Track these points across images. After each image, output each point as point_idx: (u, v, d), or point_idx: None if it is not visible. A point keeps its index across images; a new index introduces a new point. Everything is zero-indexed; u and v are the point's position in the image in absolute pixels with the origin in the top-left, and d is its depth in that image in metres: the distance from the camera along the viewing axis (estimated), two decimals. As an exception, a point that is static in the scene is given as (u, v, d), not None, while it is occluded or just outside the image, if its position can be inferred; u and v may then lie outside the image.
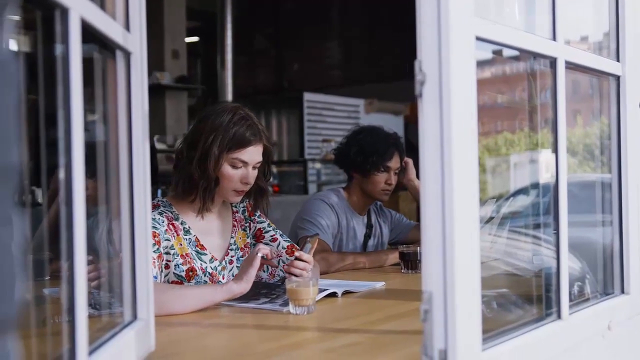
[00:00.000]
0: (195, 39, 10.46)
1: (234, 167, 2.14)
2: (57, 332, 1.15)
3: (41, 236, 1.55)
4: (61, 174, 0.97)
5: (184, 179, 2.16)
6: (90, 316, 1.04)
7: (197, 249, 2.18)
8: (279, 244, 2.33)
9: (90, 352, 1.05)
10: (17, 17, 0.60)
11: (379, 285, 2.29)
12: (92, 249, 1.21)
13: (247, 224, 2.36)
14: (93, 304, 1.33)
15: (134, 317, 1.34)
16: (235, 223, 2.33)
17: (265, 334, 1.66)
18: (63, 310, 1.45)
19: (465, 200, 1.14)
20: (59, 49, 0.97)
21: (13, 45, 0.59)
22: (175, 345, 1.55)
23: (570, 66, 1.52)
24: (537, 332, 1.40)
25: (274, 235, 2.36)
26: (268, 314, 1.85)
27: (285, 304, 1.88)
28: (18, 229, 0.55)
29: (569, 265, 1.53)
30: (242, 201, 2.35)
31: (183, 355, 1.49)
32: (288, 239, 2.37)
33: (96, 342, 1.13)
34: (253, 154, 2.16)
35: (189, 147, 2.15)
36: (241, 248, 2.31)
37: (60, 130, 0.96)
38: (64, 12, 0.96)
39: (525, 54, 1.54)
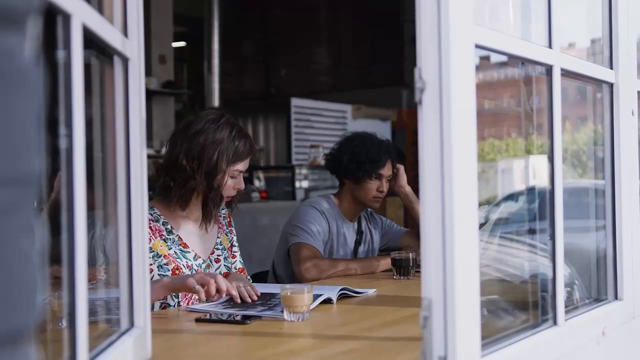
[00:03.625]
0: (182, 43, 10.44)
1: (233, 177, 2.26)
2: (55, 340, 1.14)
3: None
4: (62, 179, 0.96)
5: (187, 192, 2.22)
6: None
7: (181, 247, 2.24)
8: (235, 262, 2.43)
9: (89, 360, 1.04)
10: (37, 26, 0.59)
11: (371, 292, 2.29)
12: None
13: (229, 230, 2.46)
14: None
15: (131, 324, 1.33)
16: (220, 225, 2.41)
17: (261, 341, 1.65)
18: (57, 317, 1.45)
19: (465, 207, 1.15)
20: (60, 54, 0.97)
21: (35, 54, 0.59)
22: (171, 353, 1.54)
23: (565, 73, 1.53)
24: (534, 338, 1.40)
25: (236, 252, 2.47)
26: (263, 321, 1.84)
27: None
28: (38, 237, 0.55)
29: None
30: (222, 207, 2.44)
31: (179, 363, 1.49)
32: (242, 262, 2.47)
33: (94, 349, 1.12)
34: (248, 162, 2.30)
35: (187, 160, 2.19)
36: (227, 249, 2.41)
37: (62, 135, 0.96)
38: (66, 18, 0.95)
39: (512, 60, 1.55)
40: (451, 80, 1.12)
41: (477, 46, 1.21)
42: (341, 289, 2.14)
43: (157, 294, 1.98)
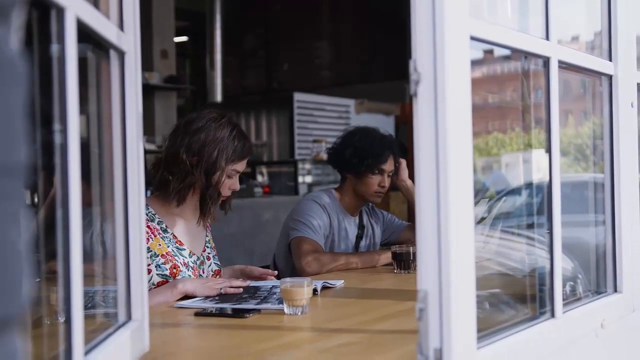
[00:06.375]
0: (184, 38, 10.44)
1: (229, 177, 2.28)
2: (51, 333, 1.14)
3: (33, 237, 1.54)
4: (57, 175, 0.96)
5: (185, 187, 2.23)
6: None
7: (177, 245, 2.27)
8: (210, 264, 2.40)
9: (86, 353, 1.05)
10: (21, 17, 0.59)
11: (339, 283, 2.31)
12: (84, 250, 1.21)
13: (209, 231, 2.48)
14: (86, 304, 1.32)
15: (129, 317, 1.33)
16: (207, 225, 2.44)
17: (259, 334, 1.66)
18: (54, 311, 1.45)
19: (460, 199, 1.15)
20: (54, 48, 0.97)
21: (21, 45, 0.59)
22: (169, 346, 1.54)
23: (563, 66, 1.53)
24: (531, 331, 1.40)
25: (215, 254, 2.46)
26: (262, 314, 1.84)
27: (281, 301, 1.87)
28: (25, 227, 0.55)
29: (562, 265, 1.54)
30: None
31: (177, 356, 1.49)
32: (218, 263, 2.44)
33: (91, 342, 1.13)
34: (245, 164, 2.33)
35: (187, 155, 2.21)
36: (213, 247, 2.44)
37: (56, 130, 0.96)
38: (60, 11, 0.95)
39: (516, 54, 1.54)
40: (446, 72, 1.12)
41: (473, 38, 1.21)
42: (323, 286, 2.19)
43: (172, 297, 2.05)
